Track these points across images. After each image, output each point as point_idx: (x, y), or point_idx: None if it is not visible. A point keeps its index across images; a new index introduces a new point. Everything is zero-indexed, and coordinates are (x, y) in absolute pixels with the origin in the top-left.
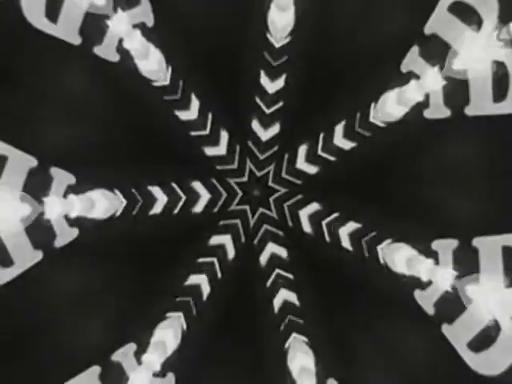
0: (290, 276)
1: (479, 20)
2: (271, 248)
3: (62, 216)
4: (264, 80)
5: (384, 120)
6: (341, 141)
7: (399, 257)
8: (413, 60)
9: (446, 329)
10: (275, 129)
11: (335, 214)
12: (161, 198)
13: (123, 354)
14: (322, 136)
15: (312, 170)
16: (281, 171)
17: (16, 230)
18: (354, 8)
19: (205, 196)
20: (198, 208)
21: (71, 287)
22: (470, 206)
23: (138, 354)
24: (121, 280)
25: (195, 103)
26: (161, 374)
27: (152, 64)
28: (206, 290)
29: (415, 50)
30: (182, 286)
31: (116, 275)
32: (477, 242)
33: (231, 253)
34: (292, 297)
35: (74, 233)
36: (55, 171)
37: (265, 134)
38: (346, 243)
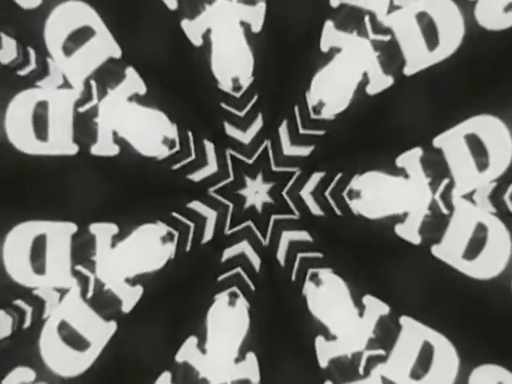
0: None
1: (486, 163)
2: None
3: (112, 125)
4: (283, 132)
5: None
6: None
7: (324, 291)
8: (411, 160)
9: None
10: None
11: (290, 215)
12: (211, 162)
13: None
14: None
15: None
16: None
17: (65, 116)
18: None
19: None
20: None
21: (87, 183)
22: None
23: (115, 239)
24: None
25: (257, 125)
26: (130, 282)
27: (234, 68)
28: (210, 227)
29: (418, 152)
30: (186, 207)
31: (133, 197)
32: (404, 321)
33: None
34: (254, 259)
35: (113, 150)
36: (131, 73)
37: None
38: (281, 254)
